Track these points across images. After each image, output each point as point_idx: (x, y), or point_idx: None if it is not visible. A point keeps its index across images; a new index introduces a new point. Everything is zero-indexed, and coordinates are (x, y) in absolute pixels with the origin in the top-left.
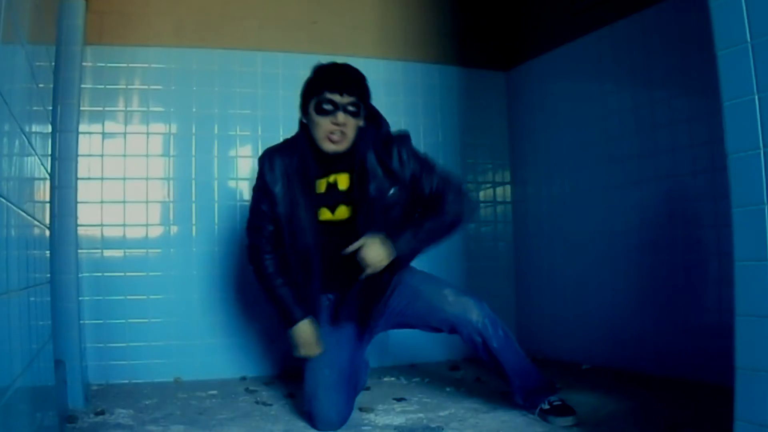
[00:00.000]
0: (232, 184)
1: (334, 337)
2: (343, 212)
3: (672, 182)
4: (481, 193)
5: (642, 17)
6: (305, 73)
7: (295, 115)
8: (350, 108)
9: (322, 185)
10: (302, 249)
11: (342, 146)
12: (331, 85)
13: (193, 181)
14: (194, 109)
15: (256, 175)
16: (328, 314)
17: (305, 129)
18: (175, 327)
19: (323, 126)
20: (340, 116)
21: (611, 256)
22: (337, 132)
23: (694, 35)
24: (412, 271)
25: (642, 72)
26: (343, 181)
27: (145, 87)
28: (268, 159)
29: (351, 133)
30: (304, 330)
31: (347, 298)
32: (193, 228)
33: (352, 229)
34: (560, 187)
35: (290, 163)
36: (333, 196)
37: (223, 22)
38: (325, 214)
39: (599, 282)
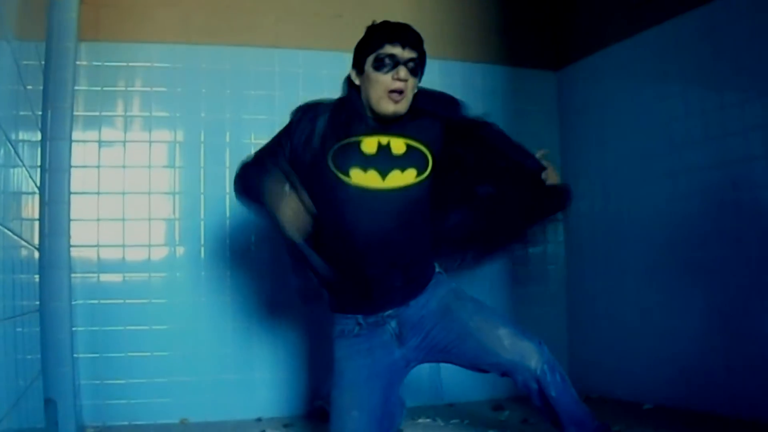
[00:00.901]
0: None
1: (365, 372)
2: (396, 179)
3: (747, 196)
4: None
5: (711, 10)
6: (328, 73)
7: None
8: (411, 65)
9: (372, 145)
10: (337, 227)
11: (402, 107)
12: (393, 37)
13: (202, 196)
14: (203, 114)
15: None
16: (364, 335)
17: (354, 90)
18: (182, 361)
19: (383, 82)
20: (402, 71)
21: (677, 280)
22: (397, 89)
23: None
24: (460, 297)
25: (711, 72)
26: (398, 145)
27: (148, 89)
28: (304, 110)
29: (410, 93)
30: (292, 200)
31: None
32: (202, 249)
33: (404, 201)
34: (618, 203)
35: (332, 121)
36: (386, 160)
37: (235, 16)
38: (373, 180)
39: (663, 310)
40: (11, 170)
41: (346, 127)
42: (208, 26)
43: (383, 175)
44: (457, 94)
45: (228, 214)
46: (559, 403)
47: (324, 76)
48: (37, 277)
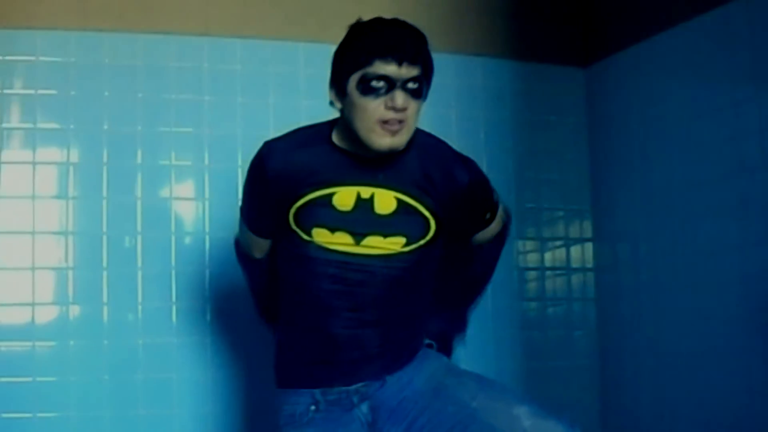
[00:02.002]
0: (164, 241)
1: None
2: (375, 245)
3: None
4: (548, 256)
5: None
6: (275, 70)
7: (264, 133)
8: (410, 85)
9: (347, 199)
10: (322, 288)
11: (401, 140)
12: (386, 50)
13: (104, 237)
14: (106, 126)
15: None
16: (323, 424)
17: (335, 120)
18: None
19: (373, 112)
20: (399, 97)
21: (746, 350)
22: (392, 121)
23: None
24: (455, 372)
25: None
26: (385, 200)
27: (31, 91)
28: (269, 152)
29: (412, 122)
30: None
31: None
32: (105, 309)
33: (388, 270)
34: (668, 247)
35: (301, 163)
36: (364, 220)
37: None
38: (342, 243)
39: (728, 392)
40: None
41: (317, 172)
42: (114, 7)
43: (357, 239)
44: (471, 93)
45: (140, 262)
46: None
47: (270, 74)
48: None
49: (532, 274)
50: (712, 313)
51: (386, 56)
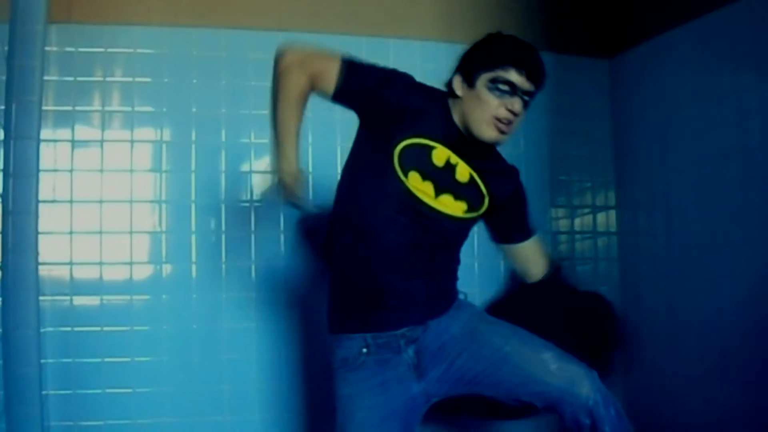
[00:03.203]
0: (245, 209)
1: (379, 413)
2: (446, 203)
3: None
4: (577, 221)
5: None
6: None
7: (329, 115)
8: (526, 97)
9: (442, 158)
10: (370, 225)
11: (506, 138)
12: (520, 62)
13: (193, 205)
14: (194, 109)
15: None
16: (374, 367)
17: (451, 96)
18: (169, 400)
19: (493, 108)
20: (517, 103)
21: (753, 306)
22: (505, 120)
23: None
24: (489, 320)
25: None
26: (463, 171)
27: (129, 79)
28: (411, 78)
29: (517, 125)
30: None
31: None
32: (193, 267)
33: (444, 226)
34: (683, 214)
35: (422, 110)
36: (445, 179)
37: None
38: (426, 192)
39: (742, 348)
40: None
41: (432, 124)
42: (200, 5)
43: (437, 192)
44: None
45: (224, 226)
46: None
47: None
48: None
49: (563, 237)
50: (719, 272)
51: (520, 67)
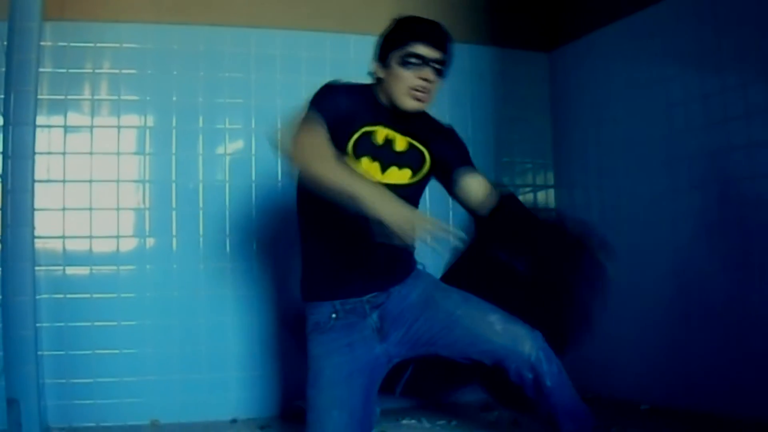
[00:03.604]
0: (220, 187)
1: (345, 370)
2: (393, 175)
3: (748, 185)
4: (520, 198)
5: None
6: (308, 55)
7: (296, 103)
8: (437, 66)
9: (381, 137)
10: (342, 210)
11: (425, 105)
12: (423, 36)
13: (174, 184)
14: (175, 98)
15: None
16: (342, 329)
17: (377, 82)
18: (152, 359)
19: (408, 80)
20: (428, 71)
21: (675, 274)
22: (420, 89)
23: None
24: (443, 288)
25: (712, 53)
26: (400, 142)
27: (116, 71)
28: (330, 87)
29: (434, 94)
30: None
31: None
32: (174, 240)
33: (406, 193)
34: (614, 192)
35: (356, 105)
36: (388, 154)
37: None
38: (375, 172)
39: (661, 305)
40: None
41: (368, 112)
42: (180, 4)
43: (383, 168)
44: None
45: (201, 203)
46: (554, 395)
47: (303, 59)
48: None
49: None
50: (648, 245)
51: (424, 40)
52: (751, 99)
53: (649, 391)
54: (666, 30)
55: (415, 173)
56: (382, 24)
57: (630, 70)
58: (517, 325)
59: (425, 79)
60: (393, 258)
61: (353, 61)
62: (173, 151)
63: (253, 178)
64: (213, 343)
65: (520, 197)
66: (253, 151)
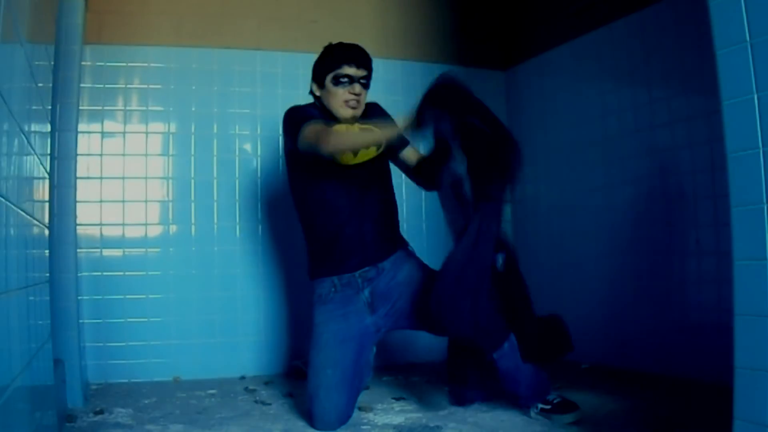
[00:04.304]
0: (231, 183)
1: (340, 335)
2: (363, 155)
3: (671, 181)
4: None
5: (641, 17)
6: (304, 73)
7: None
8: (362, 81)
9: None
10: (329, 199)
11: (358, 111)
12: (348, 59)
13: (193, 181)
14: (193, 108)
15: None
16: (340, 302)
17: (318, 101)
18: (174, 326)
19: (341, 96)
20: (357, 87)
21: (610, 254)
22: (352, 101)
23: (692, 34)
24: (424, 268)
25: (641, 71)
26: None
27: (145, 86)
28: (298, 106)
29: (363, 100)
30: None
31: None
32: (192, 227)
33: (371, 171)
34: (559, 186)
35: (315, 112)
36: None
37: (222, 21)
38: (348, 158)
39: (598, 280)
40: (24, 158)
41: (325, 118)
42: (198, 31)
43: (355, 153)
44: (417, 91)
45: (216, 196)
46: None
47: (300, 76)
48: (47, 252)
49: None
50: (587, 231)
51: (350, 62)
52: (673, 109)
53: (589, 352)
54: (603, 51)
55: (378, 147)
56: (367, 47)
57: (573, 85)
58: None
59: (355, 94)
60: (378, 230)
61: None
62: (192, 152)
63: (259, 174)
64: (225, 312)
65: None
66: (259, 153)
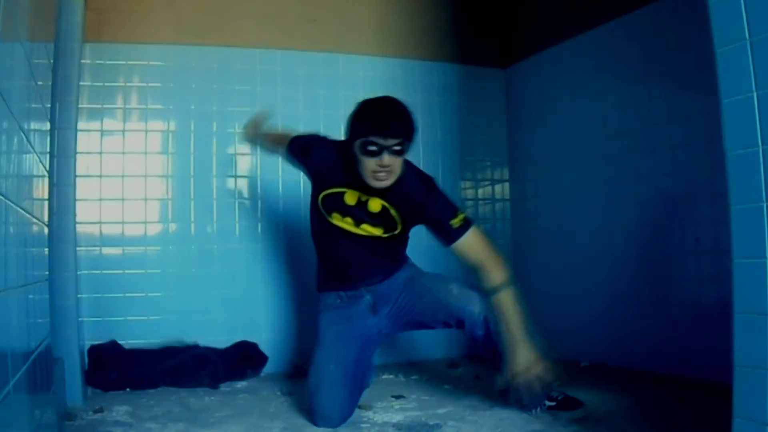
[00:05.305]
0: (230, 181)
1: (343, 335)
2: (367, 229)
3: (670, 180)
4: (480, 191)
5: (640, 15)
6: (303, 71)
7: (294, 112)
8: (395, 148)
9: (353, 198)
10: (321, 234)
11: (388, 182)
12: (377, 129)
13: (192, 179)
14: (193, 107)
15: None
16: (344, 307)
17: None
18: (174, 324)
19: (369, 166)
20: (386, 158)
21: (610, 252)
22: (381, 173)
23: (692, 33)
24: (423, 273)
25: (640, 69)
26: (375, 205)
27: (144, 84)
28: (318, 140)
29: (398, 169)
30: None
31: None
32: (192, 226)
33: (374, 243)
34: (559, 185)
35: (333, 164)
36: (362, 213)
37: (221, 20)
38: (349, 225)
39: (598, 278)
40: (24, 156)
41: (340, 175)
42: (198, 29)
43: (357, 224)
44: (416, 90)
45: (215, 194)
46: (500, 347)
47: (300, 74)
48: (46, 250)
49: (470, 203)
50: (587, 229)
51: (377, 133)
52: (672, 107)
53: (588, 350)
54: (603, 49)
55: (387, 230)
56: (367, 45)
57: (573, 83)
58: (472, 290)
59: (383, 165)
60: (385, 268)
61: (342, 76)
62: (192, 151)
63: (258, 173)
64: (224, 311)
65: (480, 189)
66: (258, 151)
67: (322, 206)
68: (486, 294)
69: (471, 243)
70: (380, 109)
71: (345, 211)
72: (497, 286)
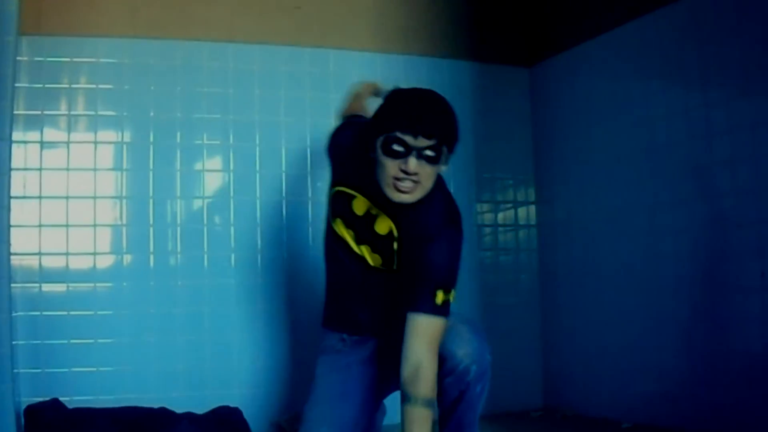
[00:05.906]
0: (198, 204)
1: (339, 388)
2: (366, 253)
3: (731, 201)
4: (500, 215)
5: (694, 2)
6: (286, 69)
7: (275, 119)
8: (427, 153)
9: (362, 207)
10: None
11: (411, 197)
12: (406, 124)
13: (151, 201)
14: (152, 113)
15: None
16: (346, 352)
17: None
18: (130, 377)
19: (390, 169)
20: (412, 163)
21: (657, 291)
22: (406, 181)
23: (759, 24)
24: None
25: (694, 68)
26: (383, 224)
27: (93, 86)
28: (348, 126)
29: (427, 182)
30: None
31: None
32: (151, 257)
33: (372, 277)
34: (595, 208)
35: (351, 157)
36: (364, 229)
37: (187, 8)
38: (350, 238)
39: (643, 323)
40: None
41: (353, 173)
42: (158, 19)
43: (358, 241)
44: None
45: (179, 219)
46: (460, 411)
47: (282, 73)
48: None
49: (488, 229)
50: (630, 263)
51: (405, 129)
52: (733, 114)
53: (630, 409)
54: (648, 44)
55: (384, 264)
56: (362, 39)
57: (612, 84)
58: (473, 334)
59: (408, 172)
60: (388, 309)
61: (333, 75)
62: (151, 166)
63: (231, 194)
64: (190, 361)
65: (500, 214)
66: (232, 167)
67: (331, 206)
68: (401, 397)
69: (430, 331)
70: (415, 101)
71: (350, 221)
72: (418, 397)
